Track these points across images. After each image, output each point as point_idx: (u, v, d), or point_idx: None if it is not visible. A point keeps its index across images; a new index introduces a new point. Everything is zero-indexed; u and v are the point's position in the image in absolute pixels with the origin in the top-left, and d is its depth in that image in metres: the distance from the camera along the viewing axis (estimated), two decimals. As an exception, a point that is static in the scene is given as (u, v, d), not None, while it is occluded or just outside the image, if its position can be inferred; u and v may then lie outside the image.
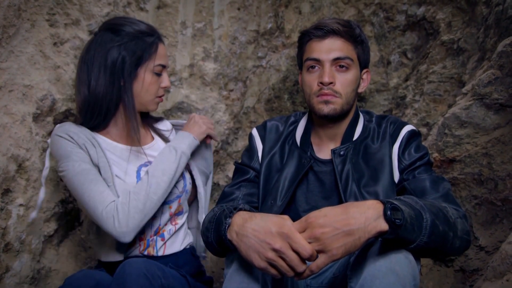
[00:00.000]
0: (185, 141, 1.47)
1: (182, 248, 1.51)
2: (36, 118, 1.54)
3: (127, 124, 1.43)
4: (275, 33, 2.13)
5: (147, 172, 1.38)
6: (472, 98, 1.54)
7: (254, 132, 1.44)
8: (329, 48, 1.26)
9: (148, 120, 1.58)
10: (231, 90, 2.18)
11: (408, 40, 1.94)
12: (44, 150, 1.55)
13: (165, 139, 1.58)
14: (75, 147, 1.35)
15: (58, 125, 1.41)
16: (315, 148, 1.36)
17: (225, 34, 2.14)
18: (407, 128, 1.31)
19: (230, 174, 2.11)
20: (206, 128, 1.55)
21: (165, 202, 1.43)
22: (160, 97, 1.48)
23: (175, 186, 1.44)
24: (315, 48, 1.28)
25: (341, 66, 1.26)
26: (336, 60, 1.26)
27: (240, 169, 1.41)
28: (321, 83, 1.25)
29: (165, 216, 1.46)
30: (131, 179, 1.40)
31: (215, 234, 1.09)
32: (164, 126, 1.63)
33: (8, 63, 1.43)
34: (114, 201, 1.31)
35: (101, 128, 1.44)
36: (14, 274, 1.43)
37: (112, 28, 1.41)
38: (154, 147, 1.52)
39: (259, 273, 1.03)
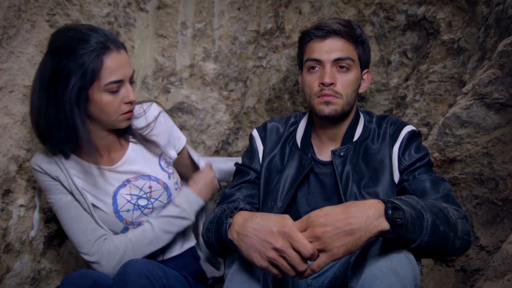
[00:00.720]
0: (194, 207, 1.44)
1: (182, 251, 1.50)
2: (37, 118, 1.54)
3: (97, 142, 1.32)
4: (275, 33, 2.13)
5: (152, 226, 1.35)
6: (472, 97, 1.54)
7: (255, 133, 1.44)
8: (330, 49, 1.26)
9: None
10: (232, 90, 2.18)
11: (409, 40, 1.94)
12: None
13: (143, 138, 1.41)
14: (51, 180, 1.29)
15: (34, 155, 1.34)
16: (315, 149, 1.36)
17: (225, 34, 2.14)
18: (407, 129, 1.31)
19: (231, 175, 2.11)
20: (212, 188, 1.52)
21: (151, 213, 1.42)
22: (126, 113, 1.27)
23: (157, 199, 1.40)
24: (315, 49, 1.28)
25: (342, 67, 1.26)
26: (337, 60, 1.25)
27: (240, 171, 1.41)
28: (322, 83, 1.25)
29: None
30: (107, 208, 1.33)
31: (216, 234, 1.09)
32: (139, 123, 1.42)
33: (8, 64, 1.43)
34: (101, 237, 1.31)
35: (72, 150, 1.31)
36: (14, 275, 1.43)
37: (50, 48, 1.22)
38: (128, 159, 1.38)
39: (260, 273, 1.03)
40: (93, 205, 1.33)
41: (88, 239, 1.29)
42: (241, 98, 2.19)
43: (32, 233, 1.47)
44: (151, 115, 1.43)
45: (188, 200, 1.43)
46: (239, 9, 2.14)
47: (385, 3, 1.94)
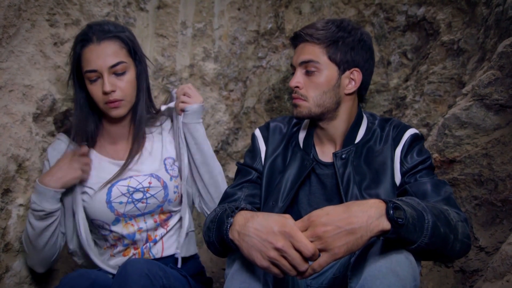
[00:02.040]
0: (42, 197, 1.34)
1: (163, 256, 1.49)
2: (36, 118, 1.54)
3: (104, 132, 1.48)
4: (275, 34, 2.13)
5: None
6: (472, 98, 1.54)
7: (257, 133, 1.44)
8: (299, 53, 1.31)
9: (141, 125, 1.47)
10: (231, 90, 2.18)
11: (408, 41, 1.94)
12: (44, 150, 1.54)
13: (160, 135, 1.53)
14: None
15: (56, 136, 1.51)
16: (318, 150, 1.36)
17: (225, 34, 2.14)
18: (410, 132, 1.31)
19: (231, 175, 2.11)
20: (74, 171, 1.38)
21: (145, 212, 1.43)
22: (108, 103, 1.35)
23: (153, 196, 1.41)
24: (294, 54, 1.35)
25: (308, 70, 1.30)
26: (302, 64, 1.30)
27: (242, 170, 1.41)
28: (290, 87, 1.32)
29: (150, 224, 1.46)
30: (96, 197, 1.39)
31: (216, 233, 1.09)
32: (156, 121, 1.55)
33: (8, 63, 1.43)
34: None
35: (92, 145, 1.45)
36: (14, 274, 1.43)
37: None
38: (136, 158, 1.45)
39: (260, 273, 1.03)
40: (82, 192, 1.40)
41: None
42: (241, 98, 2.19)
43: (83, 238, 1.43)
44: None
45: (37, 191, 1.35)
46: (239, 9, 2.15)
47: (385, 3, 1.95)
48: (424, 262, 1.68)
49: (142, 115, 1.44)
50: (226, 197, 1.35)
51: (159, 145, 1.51)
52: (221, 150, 2.18)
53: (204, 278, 1.55)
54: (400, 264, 0.95)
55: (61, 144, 1.46)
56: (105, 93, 1.33)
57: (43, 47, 1.57)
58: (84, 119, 1.41)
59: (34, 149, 1.50)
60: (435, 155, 1.65)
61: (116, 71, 1.34)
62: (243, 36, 2.15)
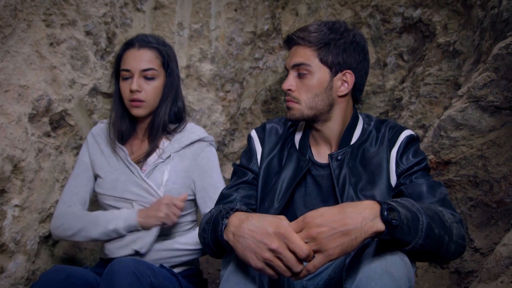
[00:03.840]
0: (125, 223, 1.42)
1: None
2: (32, 118, 1.53)
3: (137, 129, 1.59)
4: (272, 35, 2.14)
5: (89, 214, 1.47)
6: (467, 100, 1.55)
7: (253, 134, 1.44)
8: (291, 56, 1.32)
9: (158, 129, 1.54)
10: (228, 91, 2.18)
11: (405, 42, 1.95)
12: (40, 150, 1.54)
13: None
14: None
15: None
16: (313, 151, 1.37)
17: (222, 35, 2.14)
18: (405, 133, 1.31)
19: (227, 175, 2.11)
20: (163, 217, 1.41)
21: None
22: (131, 101, 1.48)
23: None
24: (287, 57, 1.36)
25: (300, 72, 1.30)
26: (294, 67, 1.30)
27: (238, 171, 1.41)
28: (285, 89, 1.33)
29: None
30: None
31: (212, 235, 1.09)
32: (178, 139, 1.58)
33: (4, 63, 1.43)
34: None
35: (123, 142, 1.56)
36: (8, 275, 1.42)
37: None
38: (145, 163, 1.52)
39: (255, 274, 1.03)
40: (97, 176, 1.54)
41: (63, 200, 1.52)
42: (237, 99, 2.19)
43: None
44: (189, 141, 1.55)
45: (126, 217, 1.43)
46: (236, 10, 2.15)
47: (381, 5, 1.95)
48: (420, 263, 1.69)
49: (161, 122, 1.53)
50: (222, 198, 1.35)
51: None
52: (218, 151, 2.18)
53: (199, 279, 1.55)
54: (395, 265, 0.95)
55: (98, 128, 1.60)
56: (131, 91, 1.46)
57: (39, 47, 1.56)
58: (120, 118, 1.54)
59: (30, 149, 1.49)
60: (431, 156, 1.65)
61: (146, 75, 1.48)
62: (240, 37, 2.15)
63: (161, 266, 1.37)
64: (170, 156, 1.52)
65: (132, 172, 1.49)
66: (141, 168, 1.50)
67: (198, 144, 1.55)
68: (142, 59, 1.48)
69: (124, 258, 1.20)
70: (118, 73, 1.53)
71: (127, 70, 1.47)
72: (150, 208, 1.43)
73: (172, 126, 1.56)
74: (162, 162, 1.51)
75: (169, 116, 1.55)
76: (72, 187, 1.53)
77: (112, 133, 1.52)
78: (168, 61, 1.53)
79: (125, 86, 1.49)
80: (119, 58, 1.53)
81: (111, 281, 1.12)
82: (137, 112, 1.49)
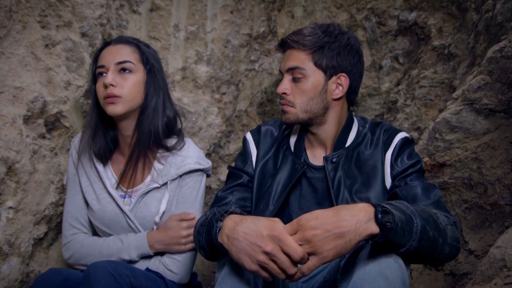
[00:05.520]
0: (137, 251, 1.39)
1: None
2: (27, 120, 1.53)
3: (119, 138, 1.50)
4: (268, 37, 2.14)
5: (96, 241, 1.42)
6: (462, 103, 1.56)
7: (248, 136, 1.45)
8: (286, 60, 1.32)
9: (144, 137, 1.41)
10: (224, 93, 2.18)
11: (400, 45, 1.95)
12: (35, 152, 1.54)
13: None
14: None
15: None
16: (309, 154, 1.37)
17: (218, 37, 2.15)
18: (400, 136, 1.31)
19: (222, 178, 2.11)
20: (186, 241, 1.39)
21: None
22: (106, 98, 1.35)
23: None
24: (282, 60, 1.36)
25: (294, 76, 1.30)
26: (289, 70, 1.30)
27: (233, 174, 1.41)
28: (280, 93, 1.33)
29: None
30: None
31: (206, 237, 1.09)
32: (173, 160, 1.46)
33: (-2, 65, 1.42)
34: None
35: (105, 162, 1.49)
36: (2, 278, 1.42)
37: None
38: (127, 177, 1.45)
39: (250, 277, 1.03)
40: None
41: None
42: (233, 101, 2.19)
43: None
44: (182, 166, 1.44)
45: (137, 246, 1.39)
46: (232, 12, 2.15)
47: (377, 8, 1.96)
48: (415, 266, 1.69)
49: (147, 129, 1.39)
50: (217, 201, 1.35)
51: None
52: (213, 153, 2.18)
53: (193, 282, 1.55)
54: (389, 267, 0.95)
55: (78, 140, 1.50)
56: (105, 87, 1.35)
57: (34, 48, 1.56)
58: (94, 130, 1.43)
59: (25, 151, 1.49)
60: (426, 158, 1.66)
61: (123, 68, 1.37)
62: (236, 39, 2.16)
63: (147, 269, 1.36)
64: (166, 183, 1.42)
65: (117, 205, 1.42)
66: (131, 194, 1.43)
67: (196, 173, 1.45)
68: (117, 53, 1.37)
69: (100, 261, 1.19)
70: (95, 75, 1.41)
71: (102, 66, 1.37)
72: (165, 234, 1.38)
73: (168, 141, 1.44)
74: (158, 188, 1.42)
75: (160, 126, 1.40)
76: (72, 212, 1.46)
77: (89, 152, 1.43)
78: (147, 57, 1.41)
79: (99, 84, 1.37)
80: (95, 59, 1.42)
81: (87, 283, 1.11)
82: (113, 109, 1.34)
